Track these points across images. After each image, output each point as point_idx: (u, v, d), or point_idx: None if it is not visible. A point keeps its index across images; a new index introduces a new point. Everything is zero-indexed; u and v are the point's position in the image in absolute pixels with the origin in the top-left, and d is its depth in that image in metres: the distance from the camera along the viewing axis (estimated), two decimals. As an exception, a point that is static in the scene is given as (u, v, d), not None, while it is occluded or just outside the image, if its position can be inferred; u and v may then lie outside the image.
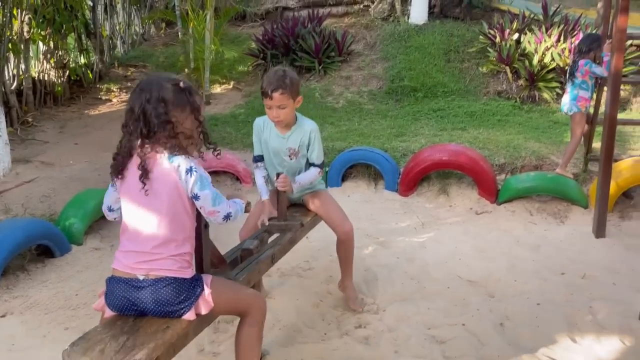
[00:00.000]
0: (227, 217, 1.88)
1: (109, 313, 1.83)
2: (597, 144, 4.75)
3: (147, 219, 1.79)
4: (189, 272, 1.83)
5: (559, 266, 3.44)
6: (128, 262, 1.79)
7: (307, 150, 2.75)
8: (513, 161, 4.93)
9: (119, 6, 10.68)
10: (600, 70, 4.33)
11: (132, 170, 1.80)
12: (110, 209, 1.95)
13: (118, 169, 1.81)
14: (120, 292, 1.77)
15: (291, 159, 2.75)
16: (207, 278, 1.88)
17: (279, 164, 2.77)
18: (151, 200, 1.78)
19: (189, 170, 1.78)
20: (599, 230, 3.87)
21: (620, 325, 2.66)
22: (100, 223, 4.13)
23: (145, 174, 1.75)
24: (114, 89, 9.07)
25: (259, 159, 2.84)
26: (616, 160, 4.19)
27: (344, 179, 5.21)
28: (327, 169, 5.14)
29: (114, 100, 8.68)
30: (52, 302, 3.08)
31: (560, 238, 3.93)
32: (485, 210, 4.54)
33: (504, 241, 3.88)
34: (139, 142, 1.77)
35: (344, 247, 2.89)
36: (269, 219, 2.74)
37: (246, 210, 2.06)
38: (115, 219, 1.97)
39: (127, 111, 1.80)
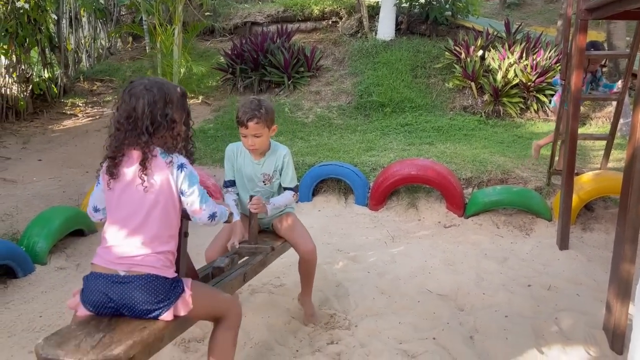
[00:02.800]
0: (212, 216, 1.90)
1: (82, 312, 1.79)
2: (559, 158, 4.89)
3: (137, 215, 1.78)
4: (170, 272, 1.82)
5: (525, 278, 3.51)
6: (110, 257, 1.77)
7: (280, 175, 2.80)
8: (479, 175, 5.03)
9: (84, 20, 10.53)
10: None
11: (126, 167, 1.81)
12: (95, 209, 1.95)
13: (113, 170, 1.80)
14: (98, 286, 1.74)
15: (265, 184, 2.79)
16: (187, 281, 1.89)
17: (252, 189, 2.80)
18: (144, 196, 1.79)
19: (180, 167, 1.83)
20: (563, 243, 3.97)
21: (585, 336, 2.73)
22: (65, 242, 4.03)
23: (145, 170, 1.77)
24: (80, 104, 8.92)
25: (230, 184, 2.86)
26: (578, 174, 4.33)
27: (314, 193, 5.22)
28: (297, 183, 5.15)
29: (79, 115, 8.52)
30: (15, 325, 2.97)
31: (526, 250, 4.02)
32: (453, 223, 4.61)
33: (472, 254, 3.95)
34: (144, 138, 1.77)
35: (305, 266, 2.90)
36: (240, 242, 2.75)
37: (228, 220, 2.06)
38: (101, 219, 1.97)
39: (124, 109, 1.80)
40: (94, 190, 1.94)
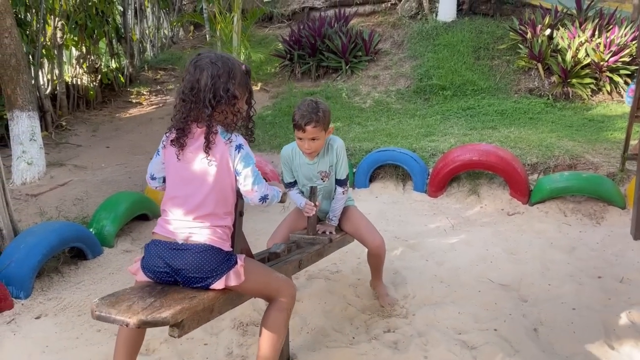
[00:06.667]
0: (264, 198, 1.91)
1: (141, 277, 1.87)
2: (635, 141, 4.59)
3: (197, 190, 1.83)
4: (226, 246, 1.86)
5: (595, 269, 3.33)
6: (170, 227, 1.84)
7: (336, 168, 2.77)
8: (546, 160, 4.81)
9: (148, 10, 10.87)
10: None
11: (191, 140, 1.84)
12: (152, 177, 2.02)
13: (182, 141, 1.83)
14: (156, 251, 1.82)
15: (324, 181, 2.78)
16: (241, 255, 1.93)
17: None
18: (205, 172, 1.82)
19: (238, 147, 1.84)
20: (638, 232, 3.73)
21: (661, 332, 2.56)
22: (130, 226, 4.19)
23: (209, 144, 1.79)
24: (144, 92, 9.23)
25: (291, 185, 2.84)
26: (655, 159, 4.04)
27: (371, 179, 5.17)
28: (354, 170, 5.11)
29: (144, 103, 8.82)
30: (85, 304, 3.12)
31: (596, 240, 3.81)
32: (517, 211, 4.44)
33: (537, 243, 3.78)
34: (207, 112, 1.79)
35: (375, 259, 2.89)
36: (298, 232, 2.78)
37: (282, 200, 2.07)
38: (156, 187, 2.05)
39: (189, 80, 1.81)
40: (153, 159, 1.99)
